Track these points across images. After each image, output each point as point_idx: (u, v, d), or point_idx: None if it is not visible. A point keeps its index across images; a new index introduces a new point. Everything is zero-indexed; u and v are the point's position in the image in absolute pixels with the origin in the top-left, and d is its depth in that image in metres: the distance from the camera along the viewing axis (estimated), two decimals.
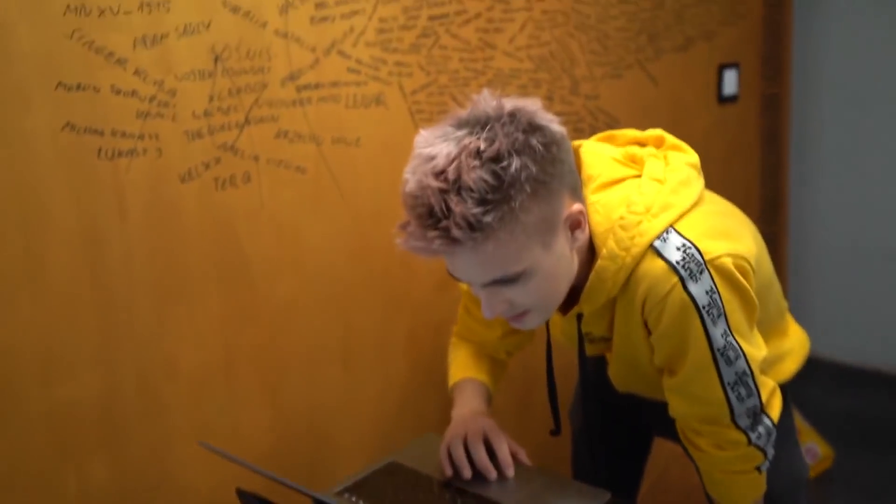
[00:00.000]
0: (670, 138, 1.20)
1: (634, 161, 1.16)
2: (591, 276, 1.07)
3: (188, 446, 1.30)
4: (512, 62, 1.71)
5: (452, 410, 1.31)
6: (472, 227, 0.91)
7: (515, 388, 1.80)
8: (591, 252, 1.10)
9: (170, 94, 1.23)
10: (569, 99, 1.86)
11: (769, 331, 1.24)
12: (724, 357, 1.06)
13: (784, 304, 1.37)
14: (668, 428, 1.24)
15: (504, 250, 0.96)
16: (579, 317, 1.15)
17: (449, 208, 0.91)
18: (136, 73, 1.19)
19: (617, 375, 1.28)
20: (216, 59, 1.27)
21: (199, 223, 1.28)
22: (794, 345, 1.37)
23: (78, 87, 1.14)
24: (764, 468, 1.18)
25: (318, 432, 1.48)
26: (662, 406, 1.20)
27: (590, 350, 1.24)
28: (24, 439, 1.15)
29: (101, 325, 1.21)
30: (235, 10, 1.28)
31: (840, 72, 2.85)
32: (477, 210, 0.91)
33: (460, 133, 0.96)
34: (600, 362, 1.33)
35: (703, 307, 1.03)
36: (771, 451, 1.16)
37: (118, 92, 1.18)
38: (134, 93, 1.19)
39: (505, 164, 0.92)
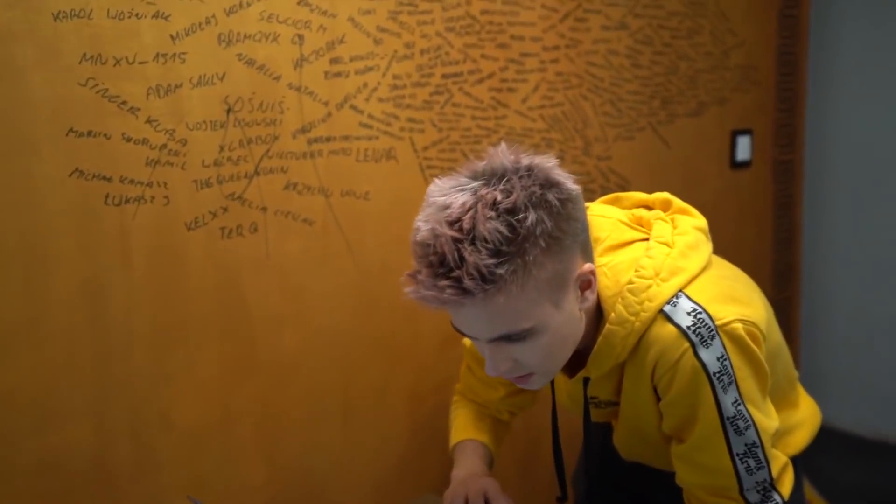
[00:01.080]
0: (677, 202, 1.18)
1: (641, 224, 1.15)
2: (600, 340, 1.05)
3: (182, 500, 1.26)
4: (524, 121, 1.71)
5: (452, 472, 1.27)
6: (485, 278, 0.89)
7: (518, 452, 1.76)
8: (598, 315, 1.07)
9: (181, 143, 1.23)
10: (581, 159, 1.86)
11: (779, 401, 1.20)
12: (733, 426, 1.03)
13: (794, 373, 1.33)
14: (674, 498, 1.19)
15: (514, 305, 0.93)
16: (586, 381, 1.12)
17: (462, 258, 0.89)
18: (149, 121, 1.19)
19: (623, 443, 1.24)
20: (229, 110, 1.27)
21: (203, 272, 1.27)
22: (806, 416, 1.32)
23: (89, 133, 1.14)
24: None
25: (315, 491, 1.43)
26: (668, 476, 1.15)
27: (595, 416, 1.20)
28: (14, 485, 1.13)
29: (99, 373, 1.19)
30: (250, 63, 1.29)
31: (854, 139, 2.82)
32: (490, 261, 0.88)
33: (476, 184, 0.94)
34: (606, 429, 1.29)
35: (714, 374, 1.00)
36: None
37: (129, 139, 1.18)
38: (145, 141, 1.19)
39: (521, 216, 0.90)
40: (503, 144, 0.99)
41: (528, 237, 0.90)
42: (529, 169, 0.94)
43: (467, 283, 0.88)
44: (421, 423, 1.57)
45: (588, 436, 1.22)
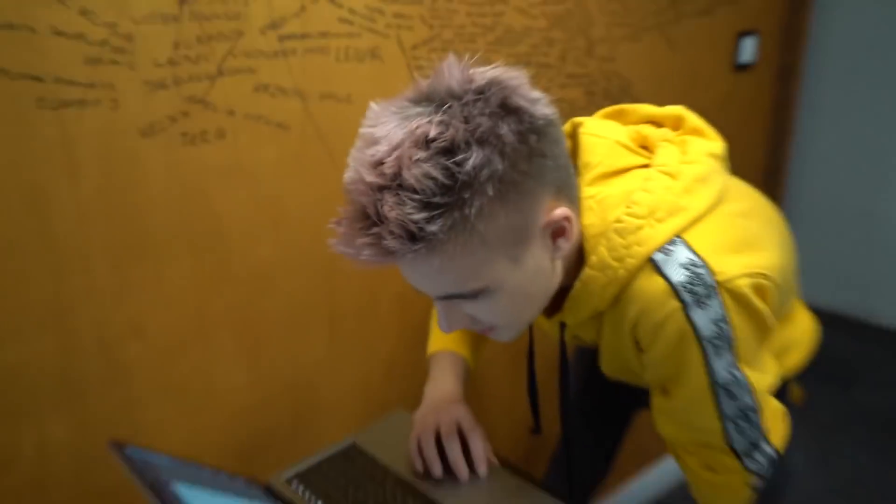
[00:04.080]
0: (692, 118, 0.81)
1: (646, 145, 0.79)
2: (577, 285, 0.73)
3: (158, 404, 1.03)
4: (525, 19, 1.31)
5: (426, 386, 1.00)
6: (413, 236, 0.58)
7: (504, 377, 1.46)
8: (581, 253, 0.74)
9: (126, 39, 0.88)
10: (583, 61, 1.45)
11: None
12: (726, 391, 0.72)
13: (796, 288, 0.97)
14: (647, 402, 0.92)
15: (456, 266, 0.62)
16: (563, 324, 0.80)
17: (382, 213, 0.58)
18: (83, 12, 0.84)
19: (607, 368, 0.93)
20: (182, 2, 0.91)
21: (165, 182, 0.96)
22: (801, 334, 1.00)
23: (9, 26, 0.80)
24: (758, 487, 0.82)
25: (302, 393, 1.18)
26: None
27: (579, 342, 0.90)
28: None
29: (56, 287, 0.90)
30: None
31: (857, 45, 2.37)
32: (419, 216, 0.57)
33: (413, 111, 0.61)
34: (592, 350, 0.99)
35: (707, 339, 0.69)
36: (769, 473, 0.80)
37: (60, 34, 0.84)
38: (80, 35, 0.85)
39: (460, 157, 0.58)
40: (451, 56, 0.63)
41: (471, 184, 0.58)
42: (480, 91, 0.61)
43: (389, 242, 0.58)
44: (409, 327, 1.28)
45: (564, 375, 0.91)
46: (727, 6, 1.75)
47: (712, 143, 0.77)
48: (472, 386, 1.32)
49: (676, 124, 0.82)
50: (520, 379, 1.44)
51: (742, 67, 1.89)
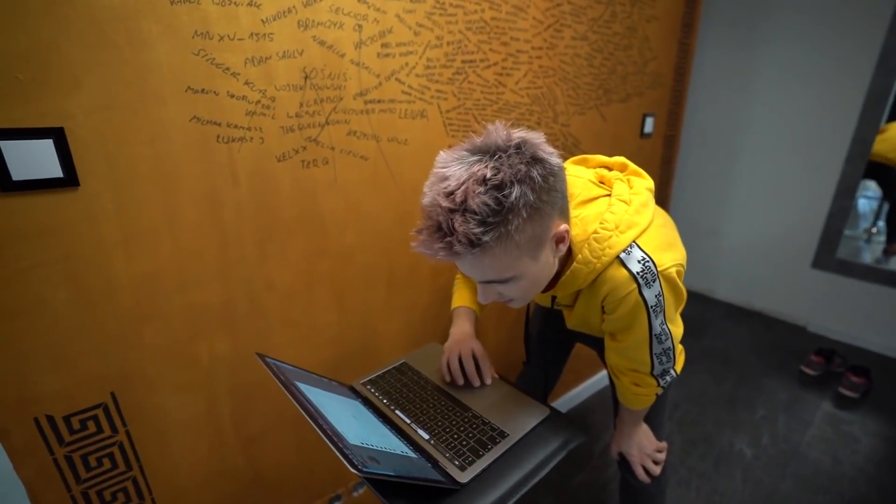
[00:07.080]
0: (631, 165, 0.81)
1: (604, 182, 0.79)
2: (567, 273, 0.72)
3: (281, 332, 1.03)
4: (516, 97, 1.32)
5: (451, 329, 1.00)
6: (473, 243, 0.57)
7: (495, 329, 1.46)
8: (568, 253, 0.73)
9: (271, 100, 0.89)
10: (550, 125, 1.46)
11: None
12: (657, 338, 0.73)
13: None
14: (587, 342, 0.98)
15: (498, 262, 0.61)
16: (554, 297, 0.80)
17: (453, 227, 0.57)
18: (246, 83, 0.86)
19: (571, 323, 0.93)
20: (306, 77, 0.92)
21: (290, 190, 0.96)
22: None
23: (202, 90, 0.81)
24: (659, 395, 0.84)
25: (369, 330, 1.18)
26: (590, 337, 0.92)
27: (557, 308, 0.90)
28: (171, 325, 0.89)
29: (221, 255, 0.92)
30: (322, 43, 0.92)
31: (708, 124, 2.40)
32: (478, 230, 0.57)
33: (472, 159, 0.59)
34: (560, 313, 0.98)
35: (652, 306, 0.70)
36: (668, 385, 0.81)
37: (232, 96, 0.85)
38: (244, 97, 0.86)
39: (507, 192, 0.57)
40: (498, 123, 0.62)
41: (512, 209, 0.57)
42: (518, 147, 0.59)
43: (457, 247, 0.57)
44: (438, 289, 1.28)
45: (547, 317, 0.91)
46: (637, 97, 1.76)
47: (647, 181, 0.78)
48: (478, 334, 1.31)
49: (622, 168, 0.81)
50: (503, 330, 1.44)
51: (645, 136, 1.89)
